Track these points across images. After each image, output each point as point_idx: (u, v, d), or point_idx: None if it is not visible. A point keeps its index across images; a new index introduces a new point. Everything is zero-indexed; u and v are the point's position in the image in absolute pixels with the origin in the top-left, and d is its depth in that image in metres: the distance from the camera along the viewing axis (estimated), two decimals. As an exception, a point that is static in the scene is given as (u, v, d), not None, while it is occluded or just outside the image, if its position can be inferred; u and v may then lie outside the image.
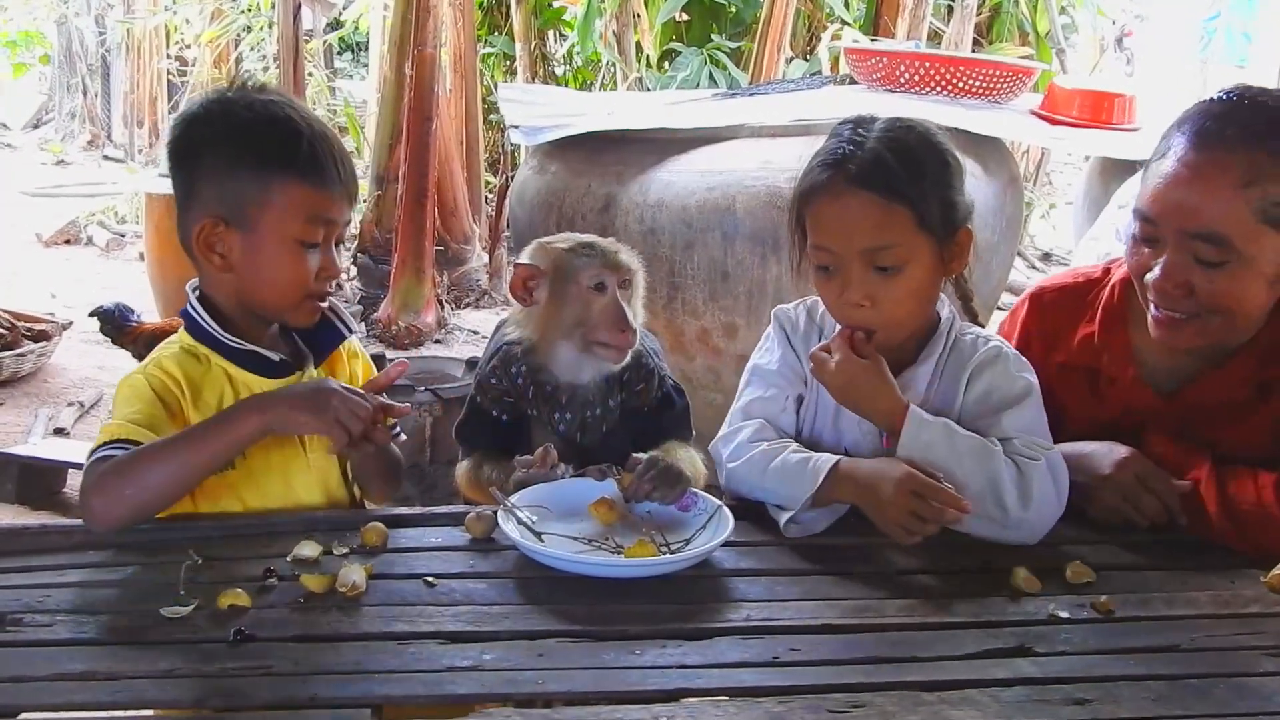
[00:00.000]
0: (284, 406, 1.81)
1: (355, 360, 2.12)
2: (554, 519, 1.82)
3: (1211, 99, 1.87)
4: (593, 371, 2.02)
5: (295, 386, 1.89)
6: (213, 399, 1.91)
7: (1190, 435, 1.94)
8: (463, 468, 2.09)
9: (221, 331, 1.92)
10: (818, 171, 1.89)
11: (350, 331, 2.06)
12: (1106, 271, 2.10)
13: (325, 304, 1.98)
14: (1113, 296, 2.05)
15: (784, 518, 1.84)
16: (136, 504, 1.75)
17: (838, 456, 1.87)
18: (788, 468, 1.87)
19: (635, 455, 1.87)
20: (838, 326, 1.95)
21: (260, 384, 1.92)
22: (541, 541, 1.75)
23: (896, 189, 1.83)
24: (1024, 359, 1.95)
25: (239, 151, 1.87)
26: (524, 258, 2.03)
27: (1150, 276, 1.86)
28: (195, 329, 1.94)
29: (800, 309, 2.07)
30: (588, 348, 1.98)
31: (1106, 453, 1.91)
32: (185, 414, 1.89)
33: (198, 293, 1.96)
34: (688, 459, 1.98)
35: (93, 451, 1.81)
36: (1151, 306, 1.89)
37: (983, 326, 2.03)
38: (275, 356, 1.94)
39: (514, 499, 1.83)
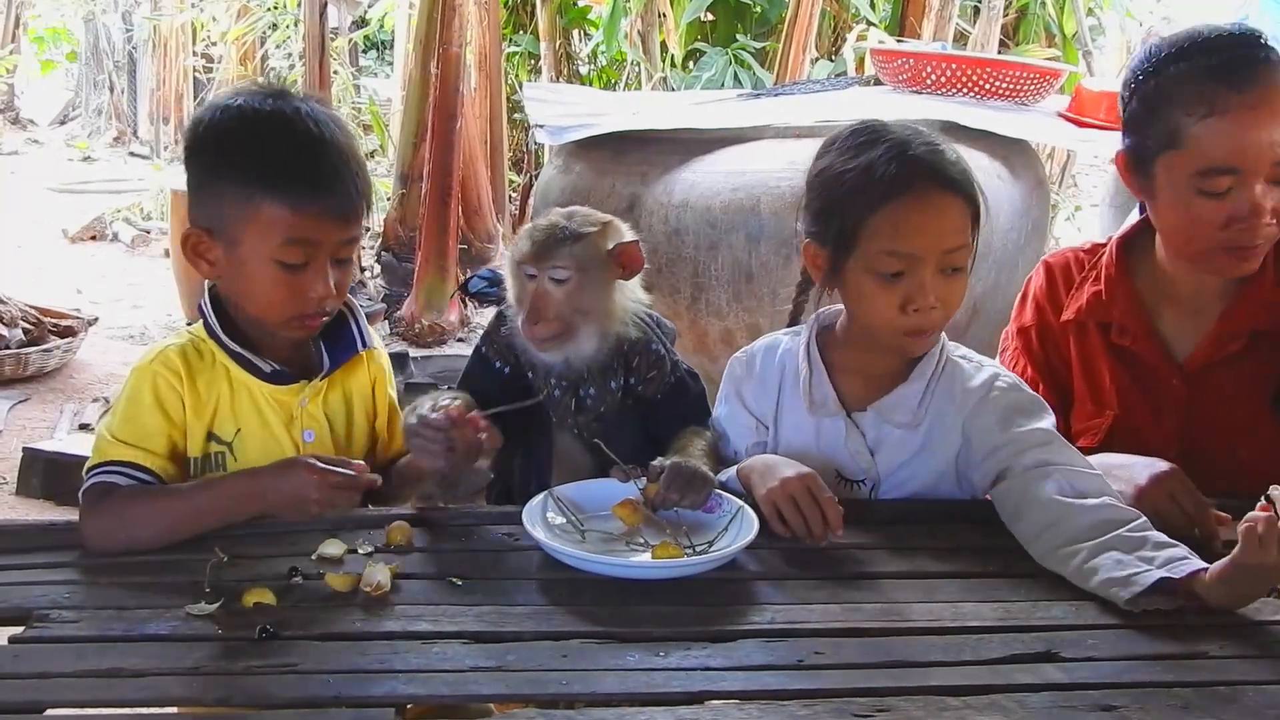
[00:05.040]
0: (266, 499, 1.80)
1: (375, 366, 2.08)
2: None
3: (1184, 45, 1.98)
4: (537, 355, 2.00)
5: (275, 472, 1.82)
6: (210, 397, 1.91)
7: (1197, 404, 2.06)
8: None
9: (220, 331, 1.92)
10: (891, 178, 1.85)
11: (364, 345, 2.03)
12: (1110, 239, 2.20)
13: (319, 322, 1.94)
14: (1112, 256, 2.15)
15: None
16: (128, 544, 1.77)
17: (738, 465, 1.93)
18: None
19: (654, 463, 1.86)
20: (799, 368, 1.98)
21: (259, 387, 1.92)
22: (584, 537, 1.77)
23: (966, 190, 1.86)
24: (1023, 381, 2.00)
25: (223, 164, 1.85)
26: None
27: (1243, 224, 1.94)
28: (206, 324, 1.94)
29: (744, 357, 2.08)
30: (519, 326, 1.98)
31: (1146, 466, 1.90)
32: (183, 410, 1.90)
33: (213, 288, 1.96)
34: (707, 451, 1.97)
35: (88, 470, 1.84)
36: (1235, 250, 1.98)
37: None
38: (266, 366, 1.93)
39: (536, 500, 1.83)
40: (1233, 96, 1.91)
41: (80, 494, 1.83)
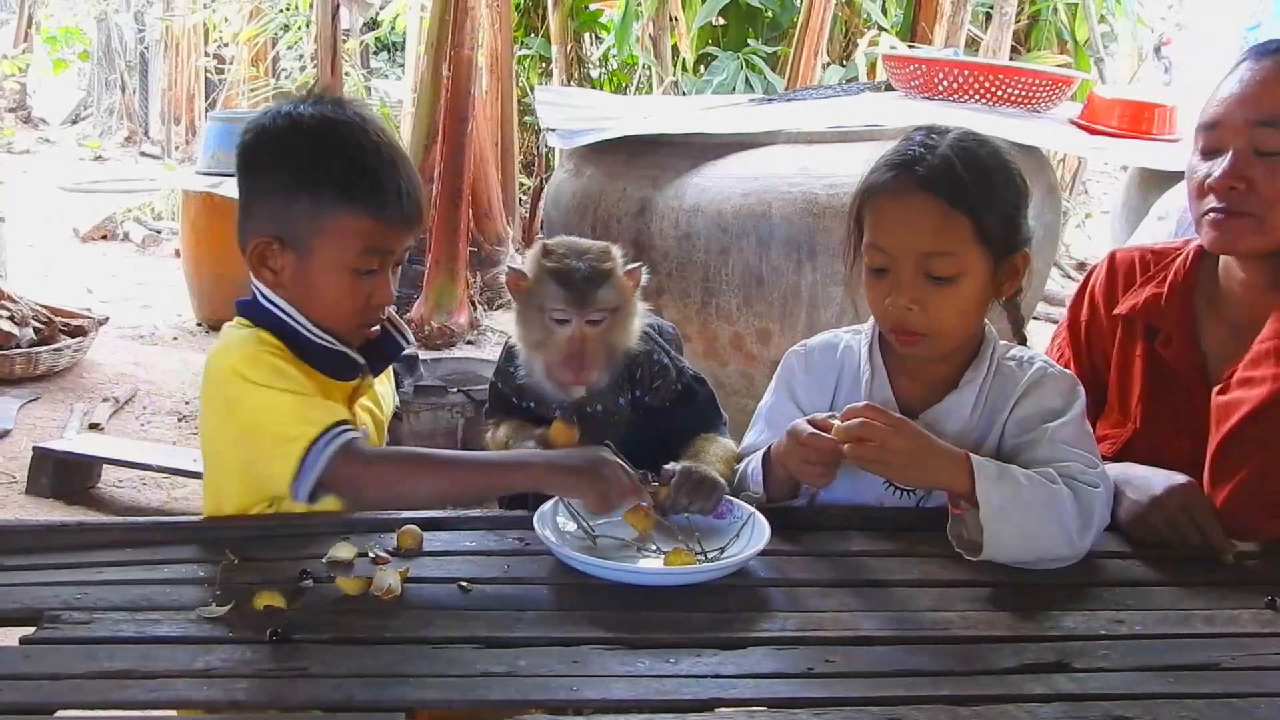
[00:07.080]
0: (562, 475, 1.79)
1: (385, 377, 2.13)
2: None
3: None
4: (556, 393, 1.97)
5: (573, 455, 1.83)
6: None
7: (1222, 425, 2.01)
8: (488, 440, 2.07)
9: (311, 328, 1.89)
10: (884, 170, 1.88)
11: (407, 343, 2.05)
12: (1186, 243, 2.18)
13: (376, 328, 1.97)
14: (1185, 264, 2.14)
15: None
16: (399, 498, 1.84)
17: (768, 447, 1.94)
18: (745, 477, 1.96)
19: (667, 467, 1.86)
20: (860, 367, 1.97)
21: (324, 382, 1.90)
22: (595, 542, 1.76)
23: (961, 197, 1.82)
24: (1070, 373, 1.96)
25: (298, 175, 1.85)
26: (525, 258, 2.01)
27: (1210, 180, 1.99)
28: (267, 320, 1.90)
29: (801, 351, 2.07)
30: (546, 371, 1.94)
31: (1164, 478, 1.90)
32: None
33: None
34: (720, 456, 1.97)
35: (326, 431, 1.78)
36: (1209, 215, 2.01)
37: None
38: (360, 359, 1.94)
39: (547, 506, 1.83)
40: (1245, 71, 2.00)
41: (325, 462, 1.76)
